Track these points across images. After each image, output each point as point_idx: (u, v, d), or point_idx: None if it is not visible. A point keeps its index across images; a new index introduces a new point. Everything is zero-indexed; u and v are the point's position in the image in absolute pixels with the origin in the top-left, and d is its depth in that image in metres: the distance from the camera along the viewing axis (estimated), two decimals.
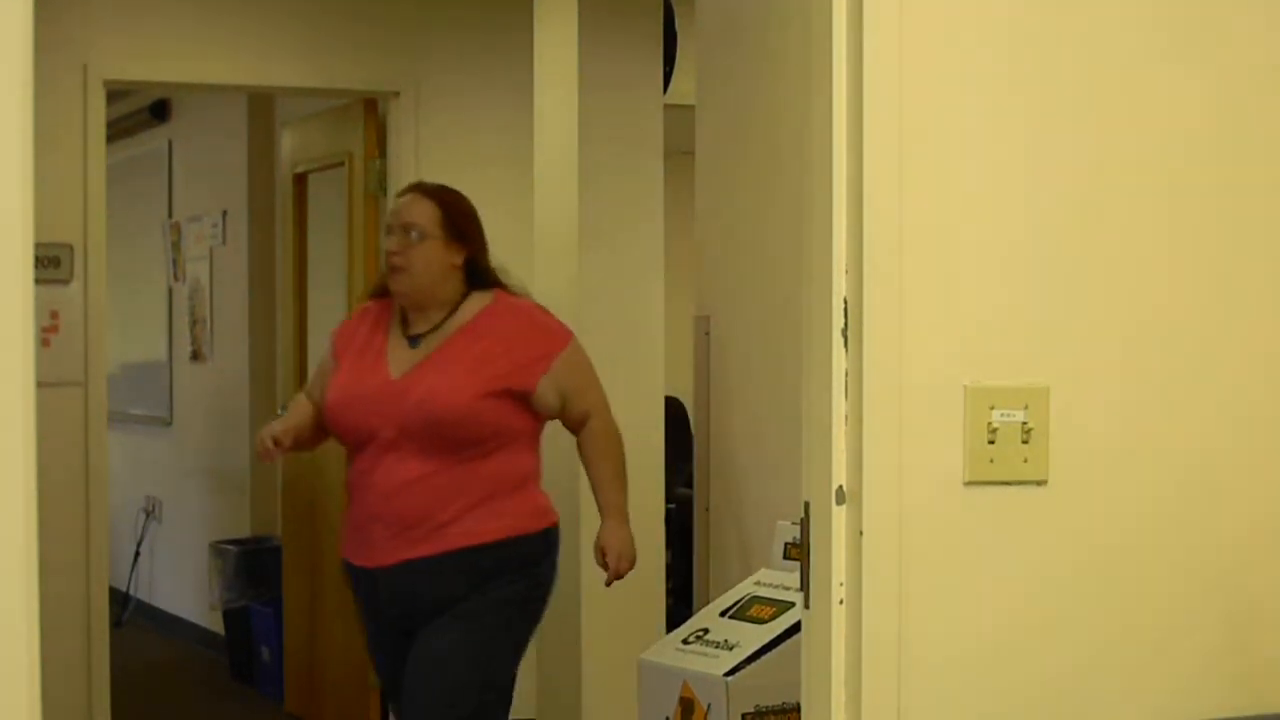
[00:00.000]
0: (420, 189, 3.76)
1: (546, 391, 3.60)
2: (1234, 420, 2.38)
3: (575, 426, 3.73)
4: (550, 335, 3.68)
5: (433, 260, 3.61)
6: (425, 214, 3.63)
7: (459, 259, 3.65)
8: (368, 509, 3.59)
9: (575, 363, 3.68)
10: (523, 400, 3.59)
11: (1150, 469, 2.34)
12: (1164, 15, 2.35)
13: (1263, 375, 2.39)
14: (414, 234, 3.61)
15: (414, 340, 3.62)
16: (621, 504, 3.72)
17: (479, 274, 3.70)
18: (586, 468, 3.76)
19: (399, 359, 3.60)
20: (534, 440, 3.67)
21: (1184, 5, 2.37)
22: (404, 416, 3.51)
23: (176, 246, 8.42)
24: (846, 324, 2.21)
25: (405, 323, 3.65)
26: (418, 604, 3.58)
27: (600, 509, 3.72)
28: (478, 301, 3.65)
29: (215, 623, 7.58)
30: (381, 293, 3.75)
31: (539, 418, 3.66)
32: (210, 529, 7.85)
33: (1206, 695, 2.35)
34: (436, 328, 3.61)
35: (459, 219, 3.67)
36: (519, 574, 3.61)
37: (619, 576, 3.69)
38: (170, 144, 8.53)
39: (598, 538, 3.69)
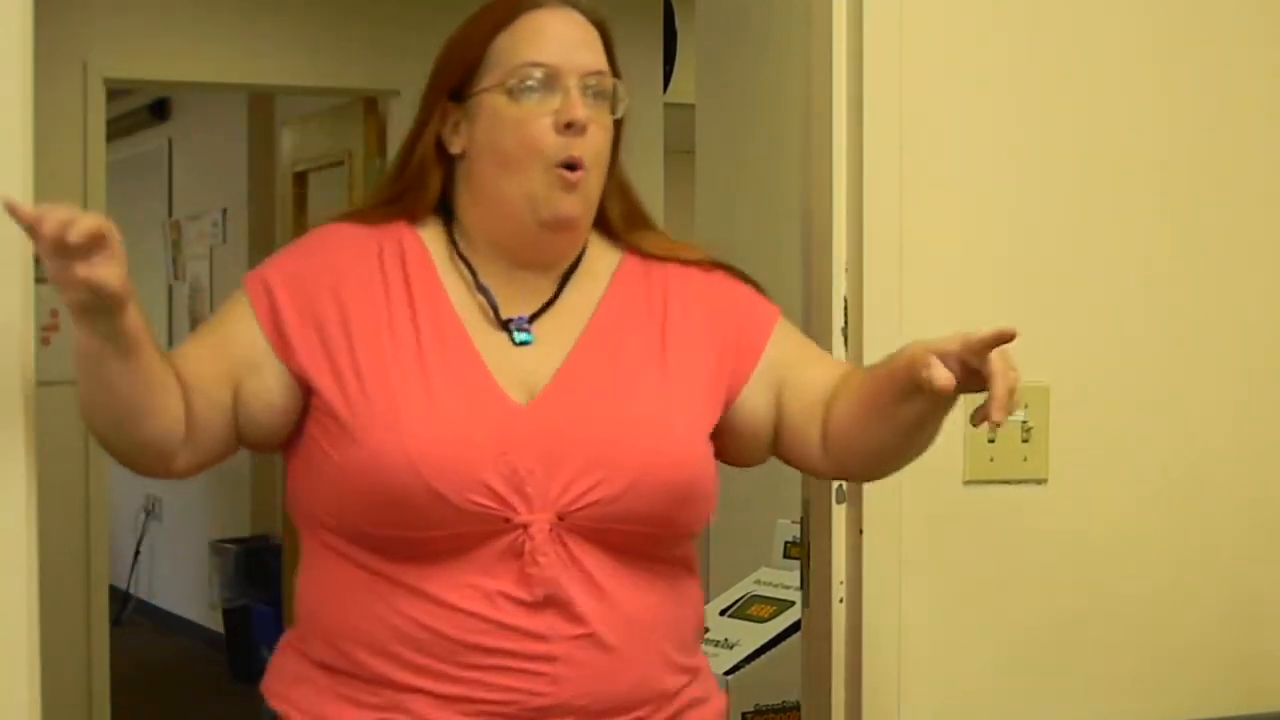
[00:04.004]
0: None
1: (758, 397, 1.89)
2: (1234, 420, 2.38)
3: (821, 410, 1.88)
4: (757, 294, 1.97)
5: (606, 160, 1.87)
6: (604, 61, 1.86)
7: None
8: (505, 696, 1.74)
9: (795, 333, 2.00)
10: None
11: (1150, 468, 2.34)
12: (1164, 15, 2.35)
13: (1263, 375, 2.39)
14: (606, 98, 1.84)
15: (514, 326, 1.82)
16: None
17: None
18: (859, 374, 1.89)
19: (503, 360, 1.79)
20: None
21: (1185, 4, 2.37)
22: (586, 483, 1.73)
23: (176, 245, 8.43)
24: (846, 323, 2.21)
25: (479, 289, 1.83)
26: None
27: (900, 355, 1.76)
28: (602, 251, 1.92)
29: (215, 622, 7.58)
30: (402, 203, 1.88)
31: None
32: (210, 527, 7.86)
33: (1206, 693, 2.35)
34: (549, 304, 1.85)
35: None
36: None
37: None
38: (170, 142, 8.54)
39: (925, 356, 1.69)
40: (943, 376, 1.64)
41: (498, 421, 1.73)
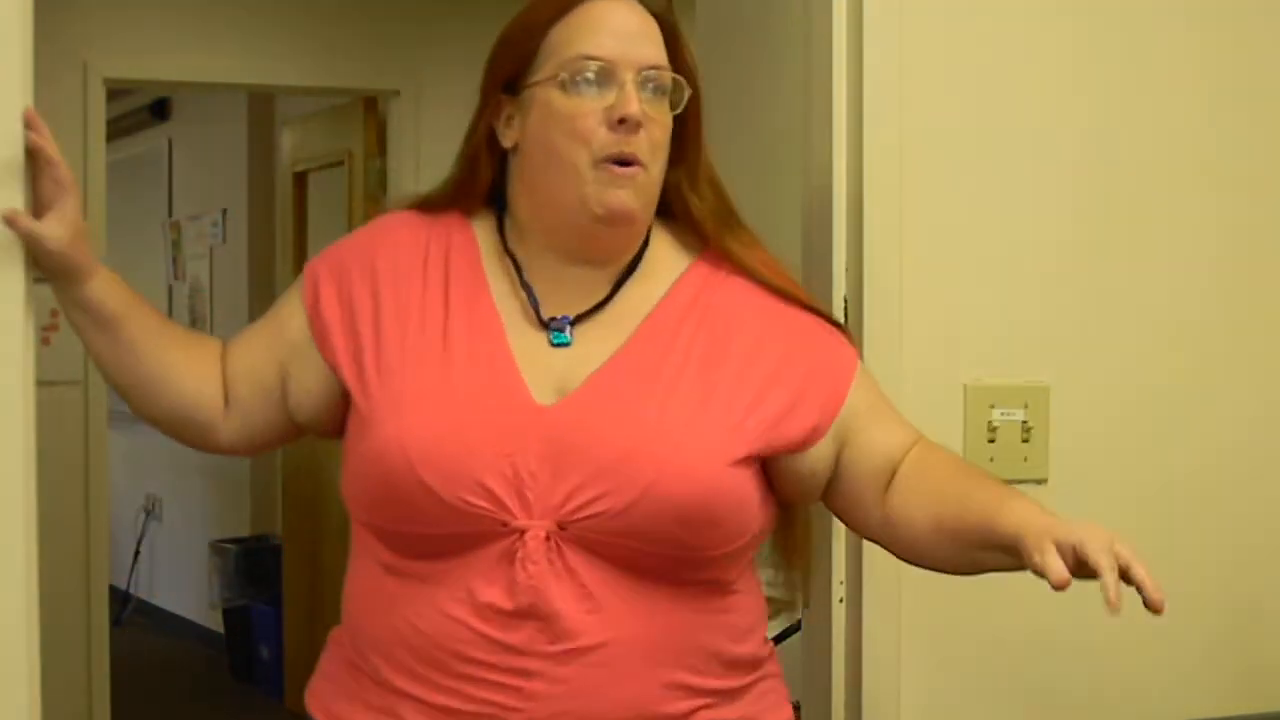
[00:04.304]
0: None
1: (825, 447, 1.79)
2: (1234, 420, 2.38)
3: (882, 478, 1.80)
4: (836, 337, 1.88)
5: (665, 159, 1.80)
6: (664, 55, 1.79)
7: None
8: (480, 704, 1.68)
9: (871, 385, 1.88)
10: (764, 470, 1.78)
11: (1150, 468, 2.34)
12: (1164, 16, 2.35)
13: (1263, 375, 2.39)
14: (665, 93, 1.78)
15: (553, 327, 1.77)
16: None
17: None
18: (944, 489, 1.77)
19: (538, 360, 1.74)
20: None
21: (1187, 8, 2.37)
22: (591, 493, 1.65)
23: (176, 245, 8.43)
24: (846, 323, 2.21)
25: (522, 286, 1.79)
26: None
27: (1005, 518, 1.64)
28: (668, 254, 1.85)
29: (215, 622, 7.58)
30: (456, 194, 1.85)
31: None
32: (210, 527, 7.86)
33: (1207, 694, 2.35)
34: (600, 305, 1.79)
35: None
36: None
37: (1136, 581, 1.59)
38: (170, 143, 8.54)
39: (1041, 541, 1.56)
40: (1059, 573, 1.52)
41: (509, 421, 1.66)
